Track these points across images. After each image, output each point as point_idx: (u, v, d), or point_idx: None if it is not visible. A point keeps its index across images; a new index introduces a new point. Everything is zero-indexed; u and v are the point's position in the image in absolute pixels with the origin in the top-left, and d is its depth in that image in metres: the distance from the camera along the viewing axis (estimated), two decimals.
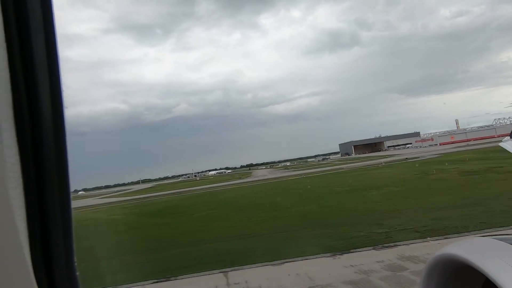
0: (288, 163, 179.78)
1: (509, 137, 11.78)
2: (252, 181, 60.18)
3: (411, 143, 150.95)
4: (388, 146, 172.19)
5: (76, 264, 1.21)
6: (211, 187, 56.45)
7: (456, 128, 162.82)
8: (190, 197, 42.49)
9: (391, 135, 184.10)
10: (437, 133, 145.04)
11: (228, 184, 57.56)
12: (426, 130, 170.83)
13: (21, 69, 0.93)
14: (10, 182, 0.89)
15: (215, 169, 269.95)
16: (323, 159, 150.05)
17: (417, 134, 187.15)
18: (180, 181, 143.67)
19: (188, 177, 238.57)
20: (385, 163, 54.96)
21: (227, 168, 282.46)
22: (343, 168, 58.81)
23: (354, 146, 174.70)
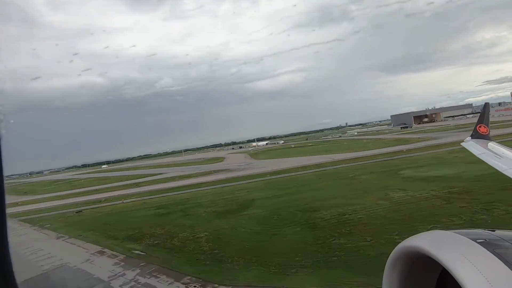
0: (355, 131, 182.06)
1: (470, 137, 13.95)
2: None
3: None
4: (445, 117, 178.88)
5: (11, 261, 1.20)
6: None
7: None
8: None
9: (446, 106, 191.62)
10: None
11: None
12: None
13: None
14: None
15: (262, 139, 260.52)
16: (403, 128, 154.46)
17: (469, 106, 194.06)
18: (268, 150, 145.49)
19: (233, 148, 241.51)
20: None
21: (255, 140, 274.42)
22: None
23: (414, 117, 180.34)
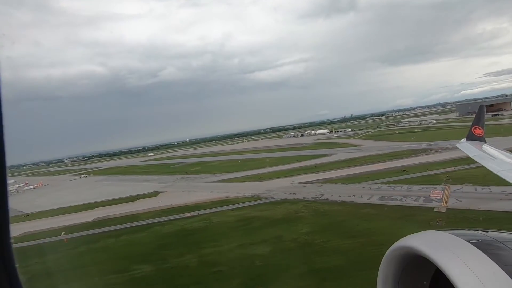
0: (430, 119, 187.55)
1: (465, 138, 17.05)
2: None
3: None
4: None
5: (14, 257, 1.18)
6: None
7: None
8: None
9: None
10: None
11: None
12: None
13: None
14: None
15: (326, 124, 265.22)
16: (494, 115, 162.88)
17: None
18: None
19: (294, 136, 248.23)
20: None
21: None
22: None
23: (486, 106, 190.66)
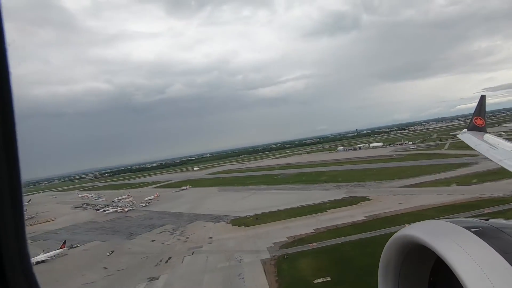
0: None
1: (466, 129, 17.46)
2: None
3: None
4: None
5: (30, 257, 1.22)
6: None
7: None
8: None
9: None
10: None
11: None
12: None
13: None
14: None
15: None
16: None
17: None
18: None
19: (351, 148, 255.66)
20: None
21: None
22: None
23: None
